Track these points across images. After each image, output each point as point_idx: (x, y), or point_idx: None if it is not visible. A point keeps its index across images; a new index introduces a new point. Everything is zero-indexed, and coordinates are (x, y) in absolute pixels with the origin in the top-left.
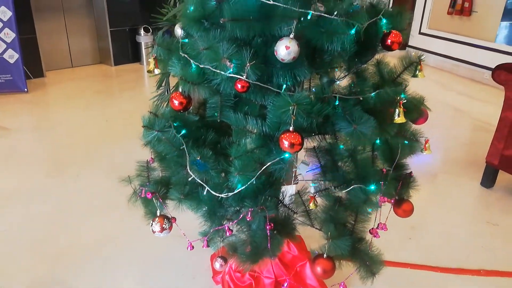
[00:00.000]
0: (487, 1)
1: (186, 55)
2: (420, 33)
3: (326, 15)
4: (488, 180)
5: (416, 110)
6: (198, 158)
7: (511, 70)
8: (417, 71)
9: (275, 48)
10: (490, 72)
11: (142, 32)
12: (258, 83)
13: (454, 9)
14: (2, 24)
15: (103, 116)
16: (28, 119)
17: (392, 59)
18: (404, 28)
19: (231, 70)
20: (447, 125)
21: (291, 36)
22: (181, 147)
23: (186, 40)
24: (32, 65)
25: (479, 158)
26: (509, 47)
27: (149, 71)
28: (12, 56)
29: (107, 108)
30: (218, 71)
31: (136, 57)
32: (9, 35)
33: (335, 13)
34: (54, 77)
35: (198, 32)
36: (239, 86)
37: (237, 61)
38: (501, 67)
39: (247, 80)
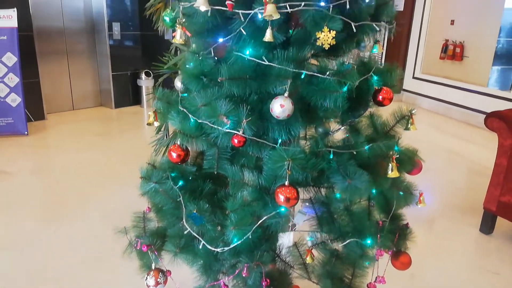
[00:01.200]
0: (477, 46)
1: (185, 110)
2: (413, 77)
3: (318, 74)
4: (487, 226)
5: (410, 162)
6: (194, 211)
7: (503, 118)
8: (409, 125)
9: (270, 105)
10: (484, 116)
11: (143, 76)
12: (254, 138)
13: (446, 54)
14: (6, 69)
15: (101, 160)
16: (26, 163)
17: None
18: (395, 84)
19: (228, 126)
20: (443, 169)
21: (286, 94)
22: (178, 199)
23: (186, 95)
24: (34, 108)
25: (476, 203)
26: (501, 92)
27: (148, 124)
28: (14, 100)
29: (106, 151)
30: (215, 126)
31: (136, 99)
32: (13, 79)
33: (327, 73)
34: (55, 120)
35: (197, 87)
36: (236, 141)
37: (234, 118)
38: (493, 115)
39: (243, 135)
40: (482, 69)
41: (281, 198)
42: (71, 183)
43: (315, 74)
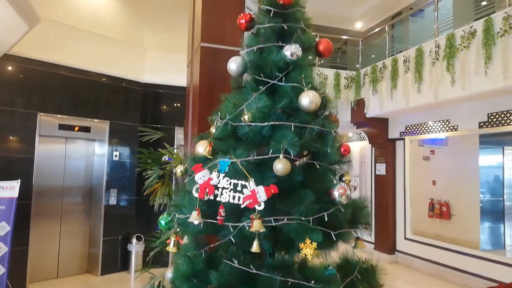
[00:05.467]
0: (463, 205)
1: None
2: (405, 238)
3: (304, 282)
4: None
5: None
6: None
7: None
8: None
9: None
10: (484, 280)
11: (134, 240)
12: None
13: (434, 213)
14: None
15: None
16: None
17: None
18: (381, 284)
19: None
20: None
21: None
22: None
23: None
24: (16, 277)
25: None
26: (495, 255)
27: None
28: None
29: None
30: None
31: (124, 265)
32: (1, 249)
33: (312, 282)
34: None
35: None
36: None
37: None
38: None
39: None
40: (471, 228)
41: None
42: None
43: (301, 282)
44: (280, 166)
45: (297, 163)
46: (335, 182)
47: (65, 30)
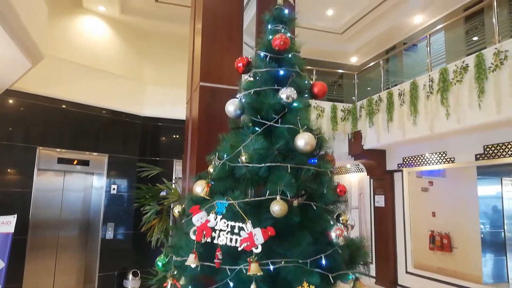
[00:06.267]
0: (463, 237)
1: None
2: (407, 272)
3: None
4: None
5: None
6: None
7: None
8: None
9: None
10: None
11: (130, 276)
12: None
13: (434, 245)
14: None
15: None
16: None
17: None
18: None
19: None
20: None
21: None
22: None
23: None
24: None
25: None
26: None
27: None
28: None
29: None
30: None
31: None
32: None
33: None
34: None
35: None
36: None
37: None
38: None
39: None
40: (473, 260)
41: None
42: None
43: None
44: (277, 207)
45: (294, 202)
46: (332, 222)
47: (67, 66)
